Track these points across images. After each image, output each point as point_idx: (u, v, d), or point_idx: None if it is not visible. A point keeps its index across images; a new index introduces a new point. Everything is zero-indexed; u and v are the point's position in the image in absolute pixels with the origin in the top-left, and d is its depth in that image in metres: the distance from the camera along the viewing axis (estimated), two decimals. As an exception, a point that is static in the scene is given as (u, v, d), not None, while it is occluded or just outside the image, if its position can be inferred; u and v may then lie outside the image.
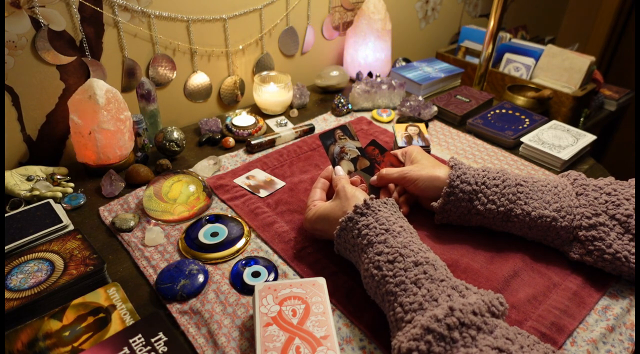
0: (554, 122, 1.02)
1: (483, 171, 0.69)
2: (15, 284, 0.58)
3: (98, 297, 0.58)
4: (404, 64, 1.39)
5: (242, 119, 1.01)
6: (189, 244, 0.69)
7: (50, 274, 0.59)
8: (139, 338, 0.51)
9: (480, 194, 0.67)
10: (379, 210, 0.59)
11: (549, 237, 0.66)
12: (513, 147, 0.98)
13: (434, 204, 0.69)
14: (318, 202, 0.68)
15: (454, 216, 0.69)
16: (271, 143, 0.96)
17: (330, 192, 0.72)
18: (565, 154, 0.90)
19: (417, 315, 0.48)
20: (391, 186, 0.76)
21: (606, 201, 0.64)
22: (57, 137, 0.90)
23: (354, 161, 0.75)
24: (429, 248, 0.57)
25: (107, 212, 0.76)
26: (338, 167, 0.72)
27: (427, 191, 0.70)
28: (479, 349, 0.43)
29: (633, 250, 0.60)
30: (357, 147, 0.77)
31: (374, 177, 0.75)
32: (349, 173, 0.73)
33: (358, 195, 0.63)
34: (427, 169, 0.71)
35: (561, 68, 1.38)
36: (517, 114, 1.07)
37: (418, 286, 0.50)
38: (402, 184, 0.73)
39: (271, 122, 1.06)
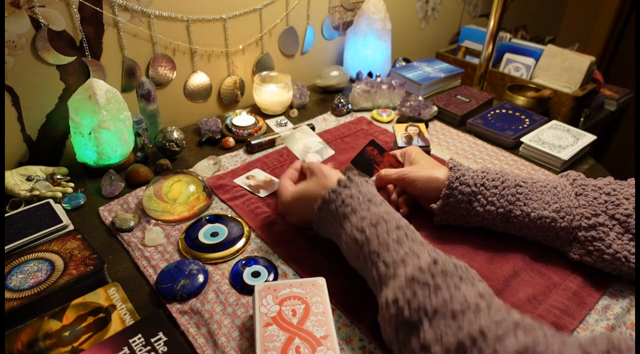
0: (554, 122, 1.02)
1: (482, 172, 0.69)
2: (15, 284, 0.58)
3: (98, 297, 0.58)
4: (404, 64, 1.39)
5: (242, 119, 1.01)
6: (189, 244, 0.69)
7: (50, 274, 0.59)
8: (139, 338, 0.51)
9: (479, 196, 0.67)
10: (362, 184, 0.62)
11: (549, 238, 0.66)
12: (513, 147, 0.98)
13: (433, 205, 0.69)
14: (290, 187, 0.70)
15: (453, 217, 0.69)
16: (271, 143, 0.96)
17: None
18: (565, 154, 0.90)
19: (400, 269, 0.49)
20: (390, 186, 0.76)
21: (605, 201, 0.64)
22: (57, 137, 0.90)
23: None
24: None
25: (107, 212, 0.76)
26: (310, 155, 0.74)
27: (426, 192, 0.70)
28: (462, 293, 0.44)
29: (633, 250, 0.60)
30: (320, 142, 0.83)
31: (373, 178, 0.75)
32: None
33: (335, 173, 0.65)
34: (426, 170, 0.71)
35: (561, 68, 1.38)
36: (517, 114, 1.07)
37: (400, 244, 0.52)
38: (401, 185, 0.73)
39: (271, 122, 1.06)
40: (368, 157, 0.78)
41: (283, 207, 0.70)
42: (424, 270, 0.47)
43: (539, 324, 0.41)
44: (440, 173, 0.69)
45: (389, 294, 0.47)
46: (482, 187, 0.67)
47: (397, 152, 0.79)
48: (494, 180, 0.67)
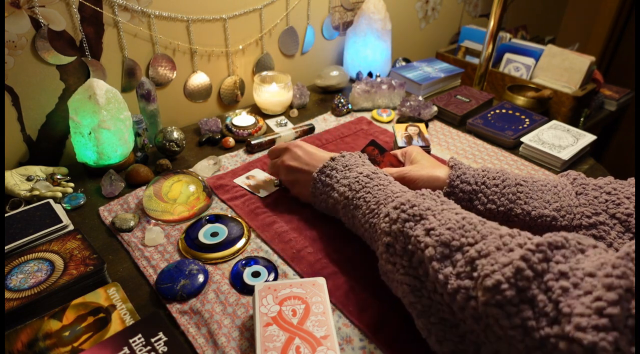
0: (554, 122, 1.02)
1: (483, 171, 0.69)
2: (15, 284, 0.58)
3: (98, 297, 0.58)
4: (404, 64, 1.39)
5: (242, 119, 1.01)
6: (189, 244, 0.68)
7: (50, 274, 0.59)
8: (139, 338, 0.51)
9: (480, 194, 0.67)
10: (348, 157, 0.70)
11: (549, 237, 0.66)
12: (513, 147, 0.98)
13: None
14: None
15: (454, 215, 0.70)
16: (271, 143, 0.96)
17: None
18: (566, 154, 0.90)
19: (402, 193, 0.58)
20: None
21: (606, 200, 0.64)
22: (57, 137, 0.90)
23: None
24: None
25: (107, 212, 0.76)
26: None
27: None
28: (454, 212, 0.51)
29: (633, 248, 0.60)
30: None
31: None
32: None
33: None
34: (426, 169, 0.71)
35: (561, 68, 1.38)
36: (517, 114, 1.07)
37: (394, 186, 0.62)
38: (402, 184, 0.73)
39: (271, 122, 1.06)
40: (369, 157, 0.78)
41: (286, 144, 0.77)
42: (417, 194, 0.55)
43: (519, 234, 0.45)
44: (441, 172, 0.70)
45: (389, 208, 0.54)
46: (482, 186, 0.67)
47: (398, 152, 0.79)
48: (494, 179, 0.67)
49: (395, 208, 0.53)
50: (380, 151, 0.79)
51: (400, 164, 0.78)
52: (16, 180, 0.78)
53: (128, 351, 0.50)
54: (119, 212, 0.76)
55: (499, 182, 0.67)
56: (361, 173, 0.65)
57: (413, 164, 0.74)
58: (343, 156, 0.70)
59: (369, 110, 1.13)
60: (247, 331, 0.56)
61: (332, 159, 0.70)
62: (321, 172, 0.69)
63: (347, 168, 0.68)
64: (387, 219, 0.53)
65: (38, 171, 0.82)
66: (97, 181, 0.84)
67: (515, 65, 1.47)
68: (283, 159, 0.76)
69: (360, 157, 0.71)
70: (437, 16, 1.60)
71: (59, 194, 0.78)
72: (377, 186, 0.62)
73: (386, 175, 0.65)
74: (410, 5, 1.47)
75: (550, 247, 0.40)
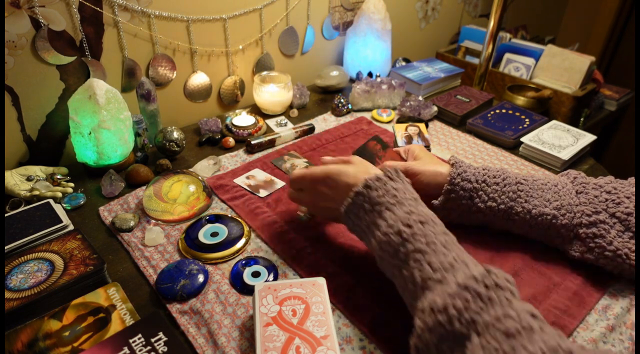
0: (554, 122, 1.02)
1: (483, 170, 0.69)
2: (15, 284, 0.58)
3: (98, 297, 0.58)
4: (404, 64, 1.39)
5: (242, 119, 1.01)
6: (189, 244, 0.68)
7: (50, 274, 0.59)
8: (139, 338, 0.51)
9: (480, 192, 0.67)
10: (408, 182, 0.60)
11: (550, 236, 0.66)
12: (513, 147, 0.98)
13: (435, 202, 0.69)
14: (327, 162, 0.65)
15: (455, 214, 0.69)
16: (271, 143, 0.96)
17: None
18: (566, 154, 0.90)
19: (449, 275, 0.46)
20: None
21: (606, 199, 0.64)
22: (57, 137, 0.90)
23: None
24: None
25: (107, 212, 0.76)
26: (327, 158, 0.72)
27: (429, 185, 0.70)
28: (515, 311, 0.41)
29: (633, 248, 0.60)
30: (305, 161, 0.87)
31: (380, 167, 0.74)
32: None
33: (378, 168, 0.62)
34: (430, 164, 0.71)
35: (561, 68, 1.38)
36: (517, 114, 1.07)
37: (448, 249, 0.49)
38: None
39: (271, 122, 1.06)
40: (371, 151, 0.77)
41: (312, 178, 0.63)
42: (478, 279, 0.44)
43: (593, 352, 0.40)
44: (444, 169, 0.70)
45: (437, 300, 0.44)
46: (483, 184, 0.67)
47: (400, 150, 0.79)
48: (495, 177, 0.68)
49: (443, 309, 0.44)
50: (382, 147, 0.79)
51: (402, 160, 0.78)
52: (16, 180, 0.78)
53: (128, 351, 0.50)
54: (119, 212, 0.76)
55: (499, 181, 0.67)
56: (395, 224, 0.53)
57: (416, 160, 0.74)
58: (367, 189, 0.57)
59: (369, 110, 1.13)
60: (247, 331, 0.56)
61: (357, 193, 0.57)
62: (347, 211, 0.59)
63: (375, 206, 0.56)
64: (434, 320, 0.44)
65: (38, 171, 0.82)
66: (97, 181, 0.84)
67: (515, 65, 1.47)
68: (308, 199, 0.66)
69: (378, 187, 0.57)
70: (437, 16, 1.60)
71: (59, 194, 0.78)
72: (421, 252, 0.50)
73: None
74: (410, 5, 1.47)
75: None
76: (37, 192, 0.76)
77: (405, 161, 0.77)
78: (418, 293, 0.48)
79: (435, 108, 1.08)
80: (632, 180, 0.66)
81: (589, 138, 0.96)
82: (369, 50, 1.23)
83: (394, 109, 1.14)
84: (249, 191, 0.82)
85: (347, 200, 0.58)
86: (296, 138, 0.99)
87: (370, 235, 0.56)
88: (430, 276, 0.47)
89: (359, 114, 1.11)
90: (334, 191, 0.61)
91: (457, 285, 0.44)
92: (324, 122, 1.07)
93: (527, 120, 1.04)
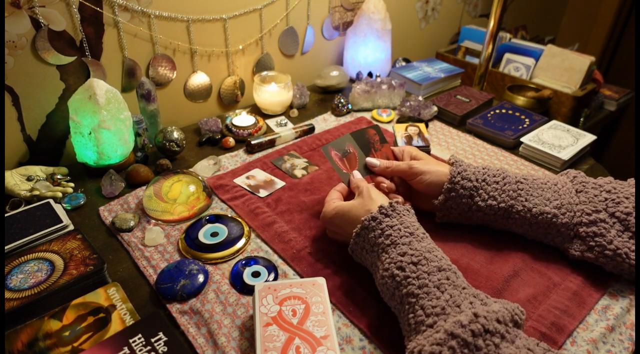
0: (554, 122, 1.02)
1: (483, 169, 0.69)
2: (15, 284, 0.58)
3: (98, 297, 0.58)
4: (404, 64, 1.39)
5: (242, 119, 1.01)
6: (189, 244, 0.69)
7: (50, 274, 0.59)
8: (139, 338, 0.51)
9: (480, 191, 0.67)
10: (404, 214, 0.59)
11: (550, 234, 0.66)
12: (513, 147, 0.98)
13: (435, 201, 0.70)
14: (337, 200, 0.68)
15: (455, 213, 0.69)
16: (271, 143, 0.96)
17: (349, 198, 0.70)
18: (565, 154, 0.90)
19: (440, 320, 0.47)
20: (381, 178, 0.74)
21: (606, 199, 0.64)
22: (57, 137, 0.90)
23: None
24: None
25: (107, 212, 0.76)
26: (356, 172, 0.73)
27: (431, 185, 0.70)
28: None
29: (633, 247, 0.60)
30: (305, 161, 0.88)
31: (382, 164, 0.74)
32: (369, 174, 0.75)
33: (381, 198, 0.64)
34: (432, 164, 0.71)
35: (561, 68, 1.38)
36: (517, 114, 1.07)
37: (441, 291, 0.50)
38: (407, 177, 0.72)
39: (271, 122, 1.06)
40: (369, 138, 0.77)
41: (324, 220, 0.67)
42: (465, 326, 0.44)
43: None
44: (445, 168, 0.70)
45: (425, 347, 0.45)
46: (483, 183, 0.67)
47: (396, 149, 0.79)
48: (495, 176, 0.68)
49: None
50: (380, 139, 0.79)
51: (397, 160, 0.78)
52: (16, 180, 0.78)
53: (128, 351, 0.50)
54: (119, 212, 0.76)
55: (499, 179, 0.67)
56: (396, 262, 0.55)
57: (417, 159, 0.74)
58: (365, 231, 0.59)
59: (369, 110, 1.13)
60: (247, 331, 0.56)
61: (357, 234, 0.60)
62: (353, 251, 0.62)
63: (373, 247, 0.58)
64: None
65: (38, 171, 0.82)
66: (97, 181, 0.84)
67: (515, 66, 1.47)
68: (336, 234, 0.68)
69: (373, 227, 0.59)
70: (437, 16, 1.60)
71: (59, 194, 0.78)
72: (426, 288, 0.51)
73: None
74: (410, 5, 1.47)
75: None
76: (37, 192, 0.76)
77: (401, 161, 0.77)
78: (411, 335, 0.50)
79: (435, 108, 1.08)
80: (631, 181, 0.66)
81: (588, 138, 0.96)
82: (369, 50, 1.23)
83: (394, 109, 1.14)
84: (249, 191, 0.82)
85: (350, 241, 0.62)
86: (296, 138, 0.99)
87: (374, 274, 0.59)
88: (422, 321, 0.48)
89: (359, 114, 1.11)
90: (343, 229, 0.65)
91: (444, 332, 0.44)
92: (324, 122, 1.07)
93: (527, 120, 1.04)
